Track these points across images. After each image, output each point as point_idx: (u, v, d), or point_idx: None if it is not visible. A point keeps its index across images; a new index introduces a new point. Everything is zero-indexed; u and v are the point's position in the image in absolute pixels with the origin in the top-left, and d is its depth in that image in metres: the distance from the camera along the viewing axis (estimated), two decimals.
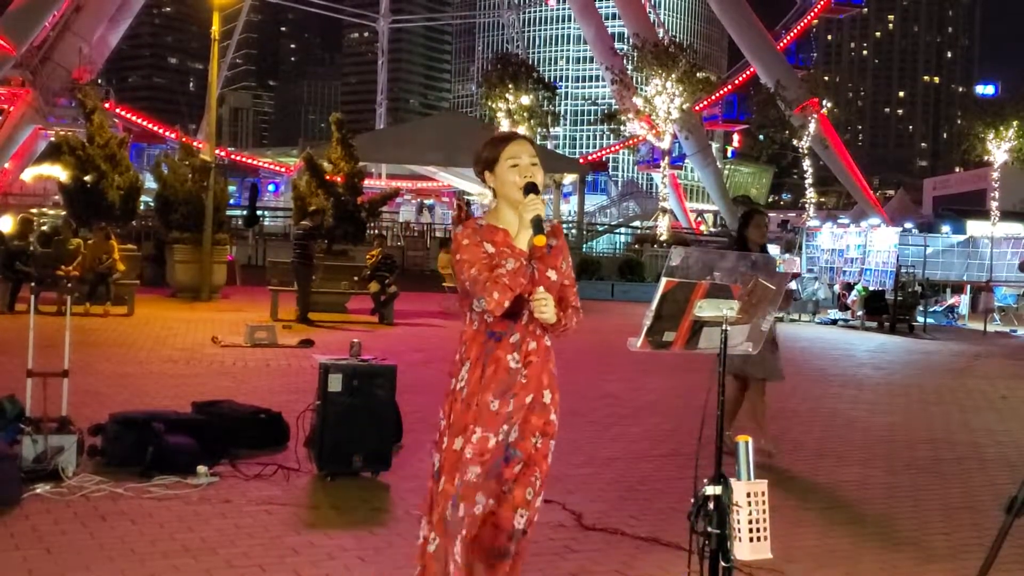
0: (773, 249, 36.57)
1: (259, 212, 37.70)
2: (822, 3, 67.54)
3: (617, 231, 56.37)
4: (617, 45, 64.19)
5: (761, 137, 60.59)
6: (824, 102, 54.68)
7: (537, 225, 3.73)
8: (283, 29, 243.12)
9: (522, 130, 44.03)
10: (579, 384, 12.63)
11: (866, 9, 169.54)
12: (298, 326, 17.88)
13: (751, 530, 3.90)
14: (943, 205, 60.96)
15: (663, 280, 3.67)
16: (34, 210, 33.83)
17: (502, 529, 3.81)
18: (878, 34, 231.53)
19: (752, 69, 63.85)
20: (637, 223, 59.26)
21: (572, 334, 4.04)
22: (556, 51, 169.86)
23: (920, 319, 25.94)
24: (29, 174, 52.72)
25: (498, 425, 3.81)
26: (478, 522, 3.76)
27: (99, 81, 58.54)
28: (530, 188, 3.81)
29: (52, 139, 40.43)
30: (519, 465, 3.84)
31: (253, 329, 15.25)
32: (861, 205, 63.25)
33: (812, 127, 53.72)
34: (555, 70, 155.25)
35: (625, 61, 51.98)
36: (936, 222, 49.08)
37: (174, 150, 32.24)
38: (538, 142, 47.84)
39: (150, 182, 32.64)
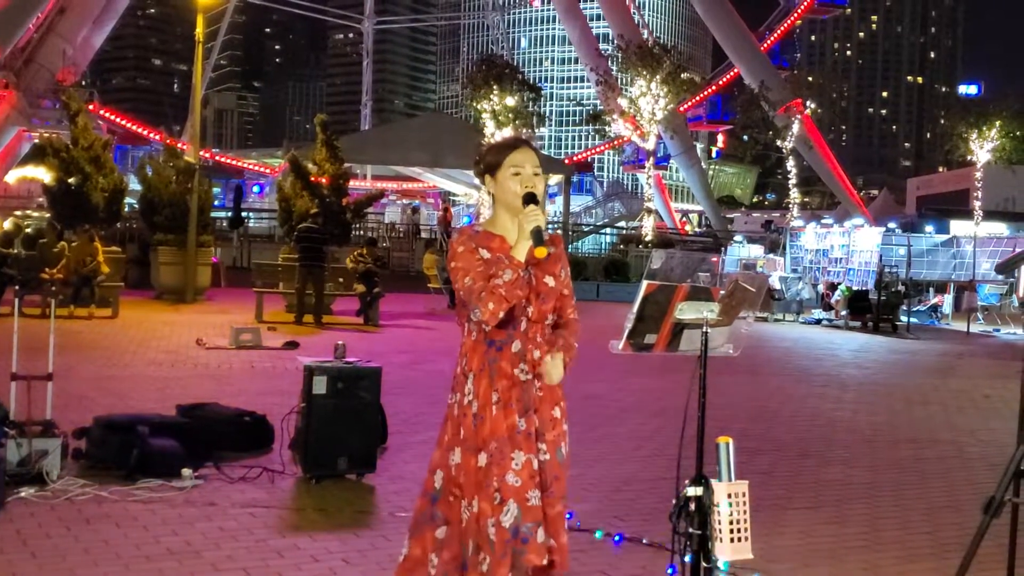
0: (757, 249, 36.81)
1: (244, 214, 37.58)
2: (805, 4, 67.83)
3: (602, 231, 56.45)
4: (602, 46, 64.22)
5: (745, 138, 60.70)
6: (808, 103, 54.82)
7: (537, 236, 3.69)
8: (267, 30, 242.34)
9: (507, 131, 44.03)
10: (563, 384, 12.64)
11: (849, 10, 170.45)
12: (292, 327, 17.92)
13: (732, 530, 3.93)
14: (927, 205, 61.25)
15: (644, 283, 3.69)
16: (18, 212, 33.71)
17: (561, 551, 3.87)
18: (861, 35, 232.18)
19: (736, 70, 64.05)
20: (622, 223, 59.31)
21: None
22: (541, 52, 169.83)
23: (903, 319, 26.03)
24: (13, 176, 52.45)
25: (534, 445, 3.79)
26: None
27: (83, 83, 58.38)
28: (530, 199, 3.76)
29: (36, 141, 40.23)
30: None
31: (238, 331, 15.23)
32: (845, 205, 63.50)
33: (796, 127, 53.83)
34: (540, 71, 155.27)
35: (610, 62, 52.02)
36: (919, 222, 49.29)
37: (158, 152, 32.14)
38: None
39: (134, 184, 32.50)
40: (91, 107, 44.09)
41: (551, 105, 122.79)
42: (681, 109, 56.68)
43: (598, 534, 6.22)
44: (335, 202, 24.72)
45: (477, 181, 4.00)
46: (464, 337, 3.90)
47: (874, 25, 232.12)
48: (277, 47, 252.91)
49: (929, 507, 7.55)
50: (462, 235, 3.86)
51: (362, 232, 33.98)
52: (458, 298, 3.86)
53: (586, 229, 57.13)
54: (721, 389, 12.53)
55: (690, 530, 3.95)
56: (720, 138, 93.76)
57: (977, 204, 49.76)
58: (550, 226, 51.39)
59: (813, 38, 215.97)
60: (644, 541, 6.16)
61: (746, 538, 3.96)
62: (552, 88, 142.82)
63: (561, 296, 3.96)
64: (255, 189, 59.71)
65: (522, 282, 3.71)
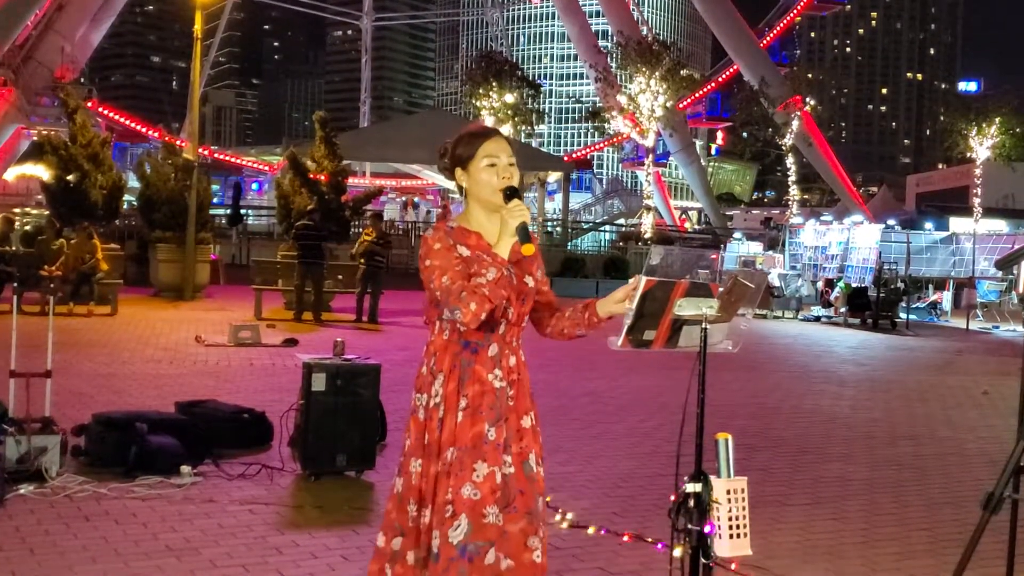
0: (756, 246, 36.83)
1: (243, 211, 37.58)
2: (805, 0, 67.72)
3: (602, 229, 56.42)
4: (601, 43, 64.21)
5: (745, 135, 60.90)
6: (807, 99, 54.87)
7: (524, 233, 3.47)
8: (266, 27, 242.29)
9: (506, 128, 44.06)
10: (562, 382, 12.65)
11: (849, 6, 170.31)
12: (291, 324, 17.92)
13: (731, 527, 3.93)
14: (926, 202, 61.28)
15: (643, 279, 3.67)
16: (17, 210, 33.69)
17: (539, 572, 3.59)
18: (861, 31, 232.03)
19: (735, 67, 63.95)
20: (622, 221, 59.28)
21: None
22: (540, 49, 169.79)
23: (903, 315, 26.04)
24: (11, 174, 52.45)
25: (500, 457, 3.52)
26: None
27: (82, 80, 58.21)
28: (512, 192, 3.54)
29: (34, 138, 40.23)
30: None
31: (237, 328, 15.23)
32: (844, 202, 63.44)
33: (795, 124, 53.90)
34: (539, 68, 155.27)
35: (609, 59, 52.10)
36: (919, 219, 49.33)
37: (157, 149, 32.13)
38: (522, 140, 47.92)
39: (133, 181, 32.54)
40: (89, 104, 43.99)
41: (550, 102, 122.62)
42: (680, 106, 56.66)
43: (590, 530, 6.22)
44: (334, 199, 24.71)
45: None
46: (434, 335, 3.67)
47: (874, 22, 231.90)
48: (276, 44, 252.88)
49: (928, 503, 7.55)
50: (438, 231, 3.61)
51: (361, 230, 33.95)
52: (427, 296, 3.64)
53: (585, 226, 57.09)
54: (721, 386, 12.54)
55: (689, 526, 3.94)
56: (719, 135, 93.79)
57: (976, 201, 49.85)
58: (549, 223, 51.47)
59: (813, 35, 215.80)
60: (651, 540, 6.16)
61: (745, 534, 3.96)
62: (551, 85, 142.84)
63: (541, 292, 3.76)
64: (254, 186, 59.70)
65: (506, 281, 3.49)
